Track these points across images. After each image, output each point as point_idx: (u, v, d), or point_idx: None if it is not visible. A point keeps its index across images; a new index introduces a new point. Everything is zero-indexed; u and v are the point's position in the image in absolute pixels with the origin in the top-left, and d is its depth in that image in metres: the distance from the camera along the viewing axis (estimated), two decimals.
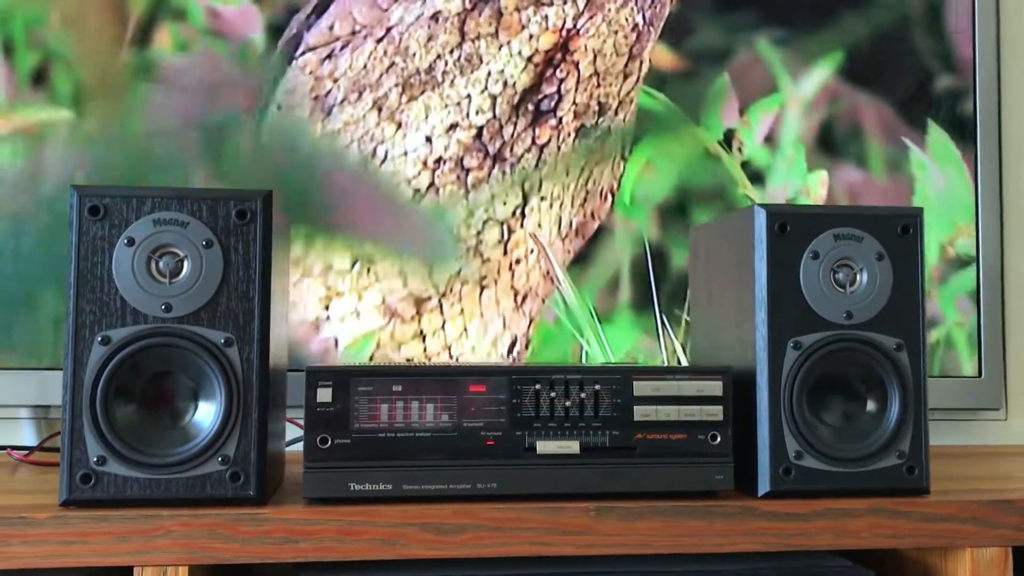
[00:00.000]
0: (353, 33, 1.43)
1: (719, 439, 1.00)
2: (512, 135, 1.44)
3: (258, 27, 1.44)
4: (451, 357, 1.41)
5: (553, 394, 0.98)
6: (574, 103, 1.46)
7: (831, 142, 1.54)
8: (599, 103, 1.47)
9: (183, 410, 0.95)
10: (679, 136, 1.50)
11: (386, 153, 1.42)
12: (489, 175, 1.43)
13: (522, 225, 1.44)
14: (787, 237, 1.02)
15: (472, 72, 1.44)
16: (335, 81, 1.42)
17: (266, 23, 1.43)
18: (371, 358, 1.40)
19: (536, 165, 1.44)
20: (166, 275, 0.94)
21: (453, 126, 1.43)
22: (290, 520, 0.92)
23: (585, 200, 1.46)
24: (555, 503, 0.95)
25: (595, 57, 1.47)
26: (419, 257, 1.42)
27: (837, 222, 1.03)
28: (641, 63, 1.48)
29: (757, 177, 1.51)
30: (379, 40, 1.43)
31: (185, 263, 0.94)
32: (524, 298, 1.44)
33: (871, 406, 1.02)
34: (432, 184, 1.42)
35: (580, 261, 1.46)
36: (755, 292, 1.02)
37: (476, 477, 0.96)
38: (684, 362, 1.45)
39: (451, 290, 1.42)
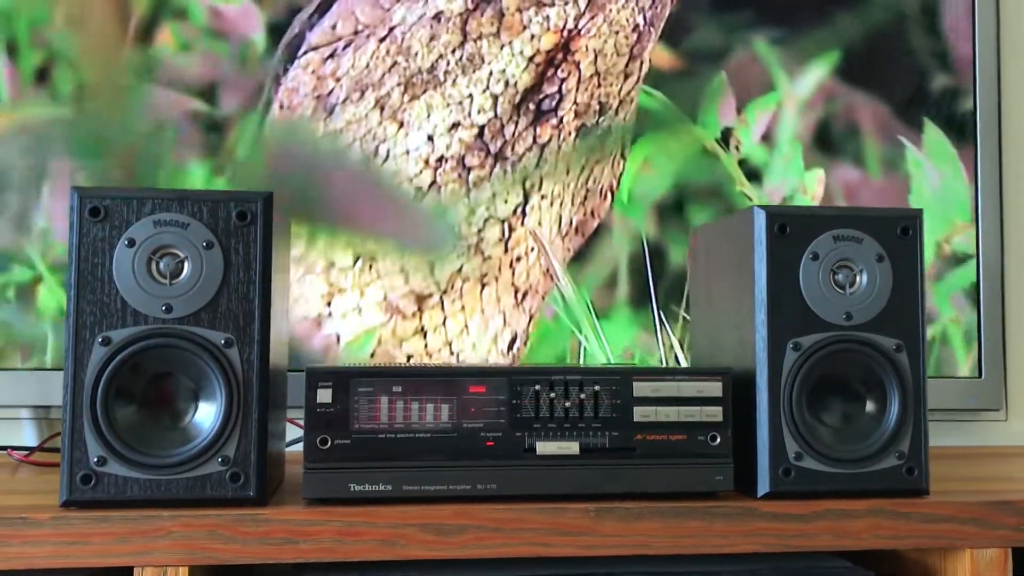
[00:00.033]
0: (356, 32, 1.40)
1: (719, 440, 0.97)
2: (513, 134, 1.41)
3: (259, 26, 1.41)
4: (452, 353, 1.39)
5: (553, 395, 0.96)
6: (575, 103, 1.43)
7: (828, 140, 1.51)
8: (600, 103, 1.44)
9: (183, 411, 0.93)
10: (677, 134, 1.48)
11: (388, 152, 1.39)
12: (490, 173, 1.41)
13: (523, 223, 1.41)
14: (787, 238, 0.99)
15: (474, 72, 1.41)
16: (337, 80, 1.39)
17: (267, 22, 1.41)
18: (372, 354, 1.37)
19: (537, 164, 1.42)
20: (166, 276, 0.92)
21: (455, 125, 1.40)
22: (290, 521, 0.90)
23: (585, 198, 1.43)
24: (555, 504, 0.93)
25: (596, 57, 1.44)
26: (421, 254, 1.39)
27: (837, 223, 1.00)
28: (642, 63, 1.46)
29: (754, 175, 1.49)
30: (381, 40, 1.40)
31: (185, 264, 0.92)
32: (524, 295, 1.41)
33: (871, 407, 1.00)
34: (434, 182, 1.40)
35: (578, 258, 1.43)
36: (755, 293, 0.99)
37: (476, 478, 0.94)
38: (681, 358, 1.43)
39: (452, 287, 1.40)
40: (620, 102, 1.45)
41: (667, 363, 1.42)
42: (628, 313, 1.44)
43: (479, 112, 1.40)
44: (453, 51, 1.41)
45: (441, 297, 1.39)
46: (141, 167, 1.37)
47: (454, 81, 1.40)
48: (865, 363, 0.99)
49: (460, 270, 1.40)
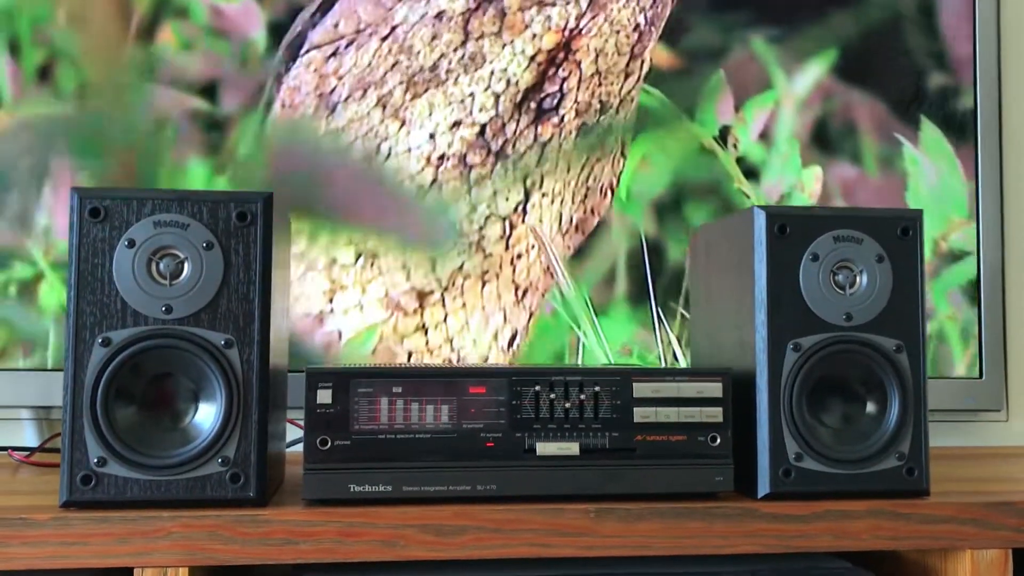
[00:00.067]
0: (358, 31, 1.37)
1: (719, 441, 0.95)
2: (515, 132, 1.39)
3: (259, 25, 1.38)
4: (453, 350, 1.36)
5: (553, 396, 0.93)
6: (576, 101, 1.41)
7: (825, 138, 1.49)
8: (600, 102, 1.41)
9: (183, 411, 0.91)
10: (675, 132, 1.45)
11: (390, 150, 1.37)
12: (492, 171, 1.38)
13: (523, 221, 1.38)
14: (787, 239, 0.97)
15: (475, 70, 1.38)
16: (340, 78, 1.37)
17: (267, 21, 1.38)
18: (374, 351, 1.35)
19: (538, 162, 1.39)
20: (166, 277, 0.89)
21: (456, 123, 1.38)
22: (290, 521, 0.87)
23: (586, 196, 1.41)
24: (555, 504, 0.90)
25: (597, 56, 1.41)
26: (422, 251, 1.37)
27: (837, 224, 0.98)
28: (642, 62, 1.43)
29: (752, 173, 1.46)
30: (384, 38, 1.37)
31: (185, 265, 0.90)
32: (525, 292, 1.39)
33: (871, 408, 0.97)
34: (435, 180, 1.37)
35: (577, 255, 1.40)
36: (755, 294, 0.97)
37: (476, 478, 0.91)
38: (679, 354, 1.40)
39: (453, 284, 1.37)
40: (621, 101, 1.42)
41: (665, 359, 1.40)
42: (626, 310, 1.41)
43: (481, 110, 1.38)
44: (455, 50, 1.38)
45: (442, 294, 1.37)
46: (142, 165, 1.34)
47: (456, 80, 1.38)
48: (865, 364, 0.97)
49: (461, 267, 1.38)
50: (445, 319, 1.37)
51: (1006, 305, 1.51)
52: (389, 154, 1.37)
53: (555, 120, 1.40)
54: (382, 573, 0.90)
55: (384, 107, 1.37)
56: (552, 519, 0.89)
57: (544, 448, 0.92)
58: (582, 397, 0.93)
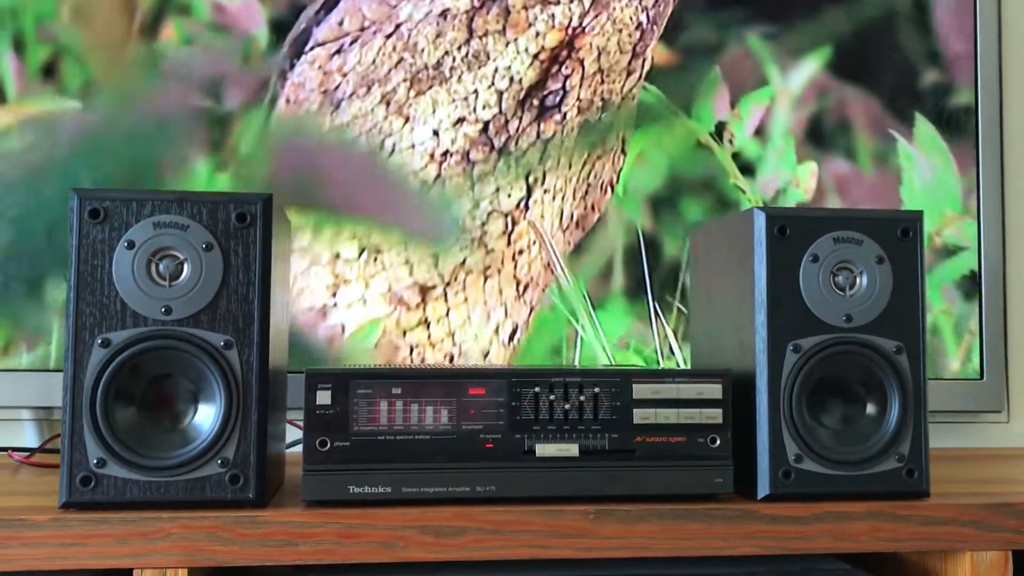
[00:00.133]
0: (362, 29, 1.32)
1: (718, 442, 0.90)
2: (517, 129, 1.33)
3: (261, 22, 1.33)
4: (454, 344, 1.31)
5: (552, 397, 0.88)
6: (578, 99, 1.35)
7: (820, 134, 1.43)
8: (602, 99, 1.36)
9: (183, 412, 0.86)
10: (671, 128, 1.40)
11: (394, 146, 1.32)
12: (494, 168, 1.33)
13: (525, 217, 1.33)
14: (787, 240, 0.92)
15: (479, 68, 1.33)
16: (344, 76, 1.31)
17: (269, 18, 1.32)
18: (377, 345, 1.30)
19: (540, 159, 1.34)
20: (166, 278, 0.85)
21: (460, 120, 1.32)
22: (289, 523, 0.83)
23: (586, 193, 1.36)
24: (554, 506, 0.86)
25: (599, 54, 1.36)
26: (425, 247, 1.32)
27: (837, 225, 0.93)
28: (644, 61, 1.38)
29: (748, 168, 1.41)
30: (388, 36, 1.32)
31: (185, 266, 0.85)
32: (526, 288, 1.34)
33: (871, 409, 0.93)
34: (439, 176, 1.32)
35: (576, 250, 1.35)
36: (755, 295, 0.92)
37: (475, 480, 0.87)
38: (675, 347, 1.35)
39: (456, 279, 1.32)
40: (622, 98, 1.37)
41: (661, 352, 1.35)
42: (623, 303, 1.36)
43: (484, 107, 1.33)
44: (459, 48, 1.33)
45: (444, 289, 1.32)
46: (144, 162, 1.28)
47: (459, 77, 1.32)
48: (865, 365, 0.92)
49: (463, 262, 1.32)
50: (447, 313, 1.32)
51: (1007, 305, 1.45)
52: (393, 150, 1.32)
53: (557, 117, 1.35)
54: (381, 574, 0.86)
55: (388, 104, 1.32)
56: (551, 520, 0.85)
57: (543, 449, 0.88)
58: (581, 398, 0.88)
